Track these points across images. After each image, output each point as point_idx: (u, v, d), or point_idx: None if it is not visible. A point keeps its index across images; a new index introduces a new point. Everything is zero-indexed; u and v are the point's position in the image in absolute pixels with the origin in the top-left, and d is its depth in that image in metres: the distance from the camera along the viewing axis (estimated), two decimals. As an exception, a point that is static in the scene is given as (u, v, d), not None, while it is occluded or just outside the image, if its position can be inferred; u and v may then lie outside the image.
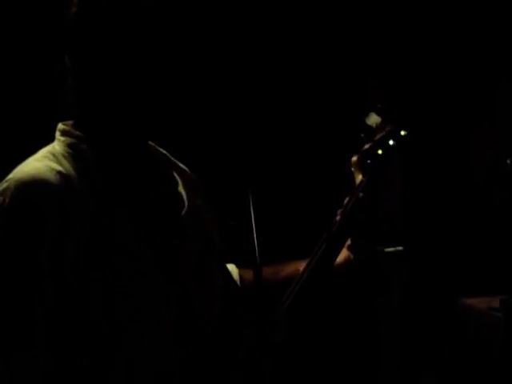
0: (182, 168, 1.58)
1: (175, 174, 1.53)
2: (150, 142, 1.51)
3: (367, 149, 1.68)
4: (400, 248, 2.34)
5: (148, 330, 1.36)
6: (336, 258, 1.64)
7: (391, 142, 1.68)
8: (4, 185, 1.31)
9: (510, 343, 2.74)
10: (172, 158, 1.58)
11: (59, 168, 1.34)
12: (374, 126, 1.69)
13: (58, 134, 1.43)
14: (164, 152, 1.56)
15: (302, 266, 1.65)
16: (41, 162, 1.35)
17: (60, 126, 1.44)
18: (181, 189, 1.51)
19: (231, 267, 1.67)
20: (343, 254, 1.67)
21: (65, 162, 1.36)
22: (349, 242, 1.65)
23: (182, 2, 1.45)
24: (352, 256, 1.66)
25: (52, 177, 1.32)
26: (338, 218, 1.64)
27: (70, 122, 1.44)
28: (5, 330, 1.27)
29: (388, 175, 1.68)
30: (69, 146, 1.40)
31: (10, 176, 1.33)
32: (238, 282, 1.64)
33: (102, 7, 1.38)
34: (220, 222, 1.61)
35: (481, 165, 3.56)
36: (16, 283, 1.27)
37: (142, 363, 1.34)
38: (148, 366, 1.35)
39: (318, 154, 3.49)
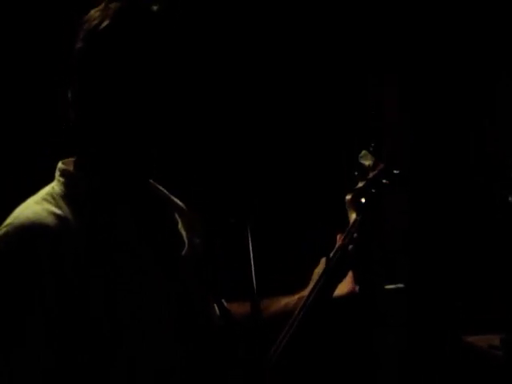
0: (180, 206, 1.60)
1: (176, 215, 1.56)
2: (151, 181, 1.53)
3: (361, 187, 1.73)
4: (401, 285, 2.32)
5: (149, 327, 1.38)
6: (333, 292, 1.68)
7: (384, 181, 1.73)
8: (3, 230, 1.35)
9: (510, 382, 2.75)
10: (171, 196, 1.59)
11: (58, 211, 1.36)
12: (366, 164, 1.73)
13: (57, 173, 1.45)
14: (163, 190, 1.57)
15: (289, 301, 1.70)
16: (40, 206, 1.37)
17: (60, 165, 1.46)
18: (180, 228, 1.53)
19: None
20: (346, 286, 1.70)
21: (62, 204, 1.38)
22: (350, 274, 1.70)
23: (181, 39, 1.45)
24: (357, 289, 1.70)
25: (51, 220, 1.34)
26: (332, 254, 1.67)
27: (71, 160, 1.47)
28: (4, 327, 1.30)
29: (381, 213, 1.73)
30: (67, 187, 1.42)
31: (10, 220, 1.36)
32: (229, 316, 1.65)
33: (107, 45, 1.39)
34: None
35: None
36: (16, 282, 1.31)
37: (143, 360, 1.36)
38: (149, 362, 1.37)
39: (311, 189, 3.45)
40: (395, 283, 2.40)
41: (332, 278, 1.66)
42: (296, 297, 1.70)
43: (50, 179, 1.47)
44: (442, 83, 3.69)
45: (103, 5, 1.42)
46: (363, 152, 1.74)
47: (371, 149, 1.73)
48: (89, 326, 1.32)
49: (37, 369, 1.29)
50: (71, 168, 1.45)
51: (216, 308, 1.57)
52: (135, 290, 1.38)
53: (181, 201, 1.63)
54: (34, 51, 3.21)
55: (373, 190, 1.72)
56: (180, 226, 1.53)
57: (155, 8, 1.41)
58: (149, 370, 1.37)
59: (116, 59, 1.38)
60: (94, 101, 1.40)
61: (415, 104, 3.53)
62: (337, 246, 1.69)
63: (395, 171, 1.73)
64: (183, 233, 1.53)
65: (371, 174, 1.74)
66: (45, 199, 1.39)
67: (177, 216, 1.55)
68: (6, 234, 1.33)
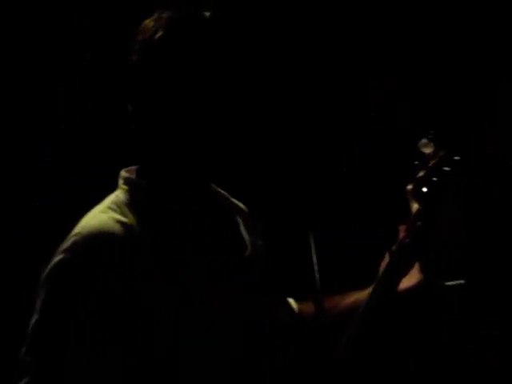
0: (241, 208, 1.63)
1: (237, 217, 1.58)
2: (212, 185, 1.56)
3: (422, 176, 1.68)
4: (461, 281, 2.29)
5: (212, 329, 1.40)
6: (398, 284, 1.65)
7: (446, 168, 1.67)
8: (72, 239, 1.38)
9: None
10: (231, 199, 1.62)
11: (123, 219, 1.40)
12: (427, 153, 1.69)
13: (120, 181, 1.49)
14: (224, 193, 1.60)
15: (359, 296, 1.69)
16: (106, 214, 1.41)
17: (123, 173, 1.50)
18: (242, 230, 1.55)
19: (290, 302, 1.72)
20: (413, 279, 1.68)
21: (127, 212, 1.42)
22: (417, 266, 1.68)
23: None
24: (423, 280, 1.68)
25: (116, 228, 1.38)
26: (395, 247, 1.65)
27: (133, 168, 1.51)
28: (64, 332, 1.32)
29: (444, 202, 1.67)
30: (130, 195, 1.45)
31: (78, 230, 1.39)
32: (295, 316, 1.69)
33: (164, 55, 1.41)
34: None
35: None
36: (82, 290, 1.33)
37: (206, 363, 1.40)
38: (211, 366, 1.40)
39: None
40: (455, 279, 2.38)
41: (396, 270, 1.63)
42: (366, 292, 1.67)
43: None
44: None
45: (156, 15, 1.44)
46: (423, 140, 1.68)
47: (431, 136, 1.68)
48: (155, 330, 1.35)
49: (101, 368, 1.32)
50: (134, 176, 1.48)
51: (283, 308, 1.61)
52: (200, 295, 1.39)
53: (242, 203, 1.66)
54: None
55: (434, 179, 1.66)
56: (242, 228, 1.55)
57: (206, 15, 1.43)
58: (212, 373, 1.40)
59: (173, 69, 1.40)
60: (154, 110, 1.42)
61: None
62: (400, 237, 1.66)
63: (456, 158, 1.68)
64: (245, 235, 1.54)
65: (432, 162, 1.68)
66: (110, 208, 1.42)
67: (238, 218, 1.56)
68: (75, 243, 1.36)
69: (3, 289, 3.01)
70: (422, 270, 1.66)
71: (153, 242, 1.40)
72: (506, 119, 3.57)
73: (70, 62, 3.64)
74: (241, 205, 1.63)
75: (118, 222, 1.38)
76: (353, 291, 1.73)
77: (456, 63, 3.70)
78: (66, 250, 1.35)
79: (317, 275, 1.46)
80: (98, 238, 1.35)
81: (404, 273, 1.64)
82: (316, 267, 1.46)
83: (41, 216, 3.48)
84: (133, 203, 1.43)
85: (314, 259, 1.49)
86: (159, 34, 1.41)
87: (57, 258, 1.36)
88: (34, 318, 1.33)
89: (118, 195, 1.46)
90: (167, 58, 1.40)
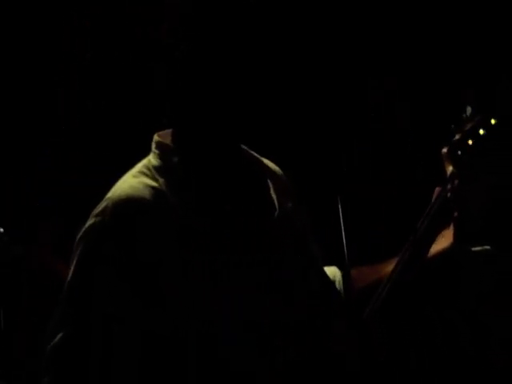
0: (273, 171, 1.62)
1: (268, 180, 1.58)
2: (242, 147, 1.55)
3: (457, 140, 1.64)
4: (487, 247, 2.27)
5: (244, 289, 1.41)
6: (430, 245, 1.67)
7: (482, 132, 1.62)
8: (104, 204, 1.41)
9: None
10: (264, 161, 1.62)
11: (154, 184, 1.42)
12: (463, 116, 1.65)
13: (153, 145, 1.49)
14: (256, 155, 1.60)
15: (389, 267, 1.69)
16: (137, 179, 1.43)
17: (155, 137, 1.50)
18: (272, 193, 1.54)
19: (334, 270, 1.71)
20: (446, 242, 1.69)
21: (158, 177, 1.44)
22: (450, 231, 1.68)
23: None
24: (454, 244, 1.68)
25: (148, 193, 1.40)
26: (429, 207, 1.65)
27: (167, 132, 1.51)
28: (99, 296, 1.37)
29: (480, 167, 1.64)
30: (162, 159, 1.45)
31: (109, 195, 1.42)
32: (341, 284, 1.69)
33: (198, 24, 1.46)
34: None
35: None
36: (113, 254, 1.37)
37: (242, 320, 1.41)
38: (247, 322, 1.42)
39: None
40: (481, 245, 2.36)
41: (429, 231, 1.64)
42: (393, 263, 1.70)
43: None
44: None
45: None
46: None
47: (469, 99, 1.66)
48: (189, 292, 1.36)
49: (136, 330, 1.35)
50: (167, 140, 1.49)
51: (314, 270, 1.59)
52: (231, 258, 1.41)
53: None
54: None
55: (470, 142, 1.63)
56: (272, 190, 1.55)
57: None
58: (249, 328, 1.41)
59: (206, 38, 1.45)
60: (189, 75, 1.45)
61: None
62: (433, 199, 1.65)
63: (493, 121, 1.63)
64: (274, 197, 1.54)
65: (468, 126, 1.64)
66: (141, 172, 1.45)
67: (269, 181, 1.57)
68: (106, 207, 1.39)
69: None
70: (454, 236, 1.65)
71: (182, 207, 1.42)
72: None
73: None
74: (274, 166, 1.64)
75: (148, 186, 1.41)
76: (382, 262, 1.75)
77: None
78: (97, 215, 1.39)
79: (344, 239, 1.50)
80: (128, 202, 1.39)
81: (435, 234, 1.65)
82: (343, 231, 1.50)
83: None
84: (164, 167, 1.46)
85: (342, 224, 1.52)
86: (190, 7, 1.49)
87: (89, 222, 1.40)
88: (68, 277, 1.39)
89: (150, 159, 1.47)
90: (202, 28, 1.45)
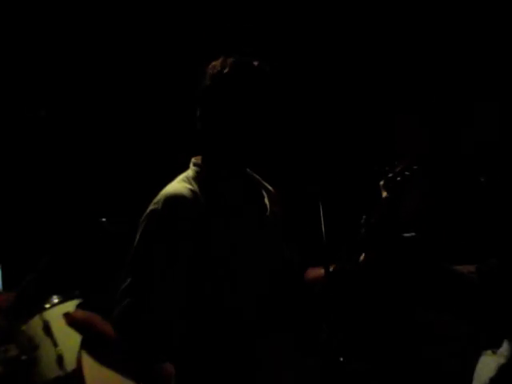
0: (266, 187, 2.43)
1: (263, 191, 2.38)
2: (248, 170, 2.35)
3: (391, 177, 2.54)
4: (413, 234, 3.27)
5: (248, 257, 2.21)
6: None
7: (406, 173, 2.52)
8: (158, 197, 2.18)
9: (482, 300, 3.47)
10: (261, 180, 2.42)
11: (190, 187, 2.21)
12: (395, 162, 2.57)
13: (191, 164, 2.32)
14: (257, 177, 2.40)
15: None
16: (179, 184, 2.23)
17: (193, 160, 2.32)
18: (266, 201, 2.35)
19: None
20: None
21: (194, 183, 2.23)
22: None
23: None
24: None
25: (186, 192, 2.19)
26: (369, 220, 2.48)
27: (199, 157, 2.31)
28: (153, 253, 2.12)
29: (405, 193, 2.52)
30: (196, 173, 2.27)
31: (163, 192, 2.19)
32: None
33: (226, 84, 2.24)
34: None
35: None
36: (164, 229, 2.14)
37: (245, 278, 2.19)
38: (248, 279, 2.19)
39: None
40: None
41: (372, 231, 2.46)
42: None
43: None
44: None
45: (222, 58, 2.27)
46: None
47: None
48: (211, 257, 2.14)
49: (172, 280, 2.09)
50: (199, 161, 2.29)
51: (288, 252, 2.39)
52: (241, 235, 2.20)
53: (270, 185, 2.45)
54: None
55: (398, 179, 2.51)
56: (266, 199, 2.35)
57: (255, 63, 2.26)
58: (248, 285, 2.17)
59: (230, 92, 2.23)
60: (216, 118, 2.24)
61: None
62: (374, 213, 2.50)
63: (415, 167, 2.51)
64: (267, 203, 2.33)
65: (398, 168, 2.52)
66: (182, 180, 2.24)
67: (264, 193, 2.37)
68: (159, 199, 2.16)
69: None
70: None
71: (209, 201, 2.18)
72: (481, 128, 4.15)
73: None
74: (267, 185, 2.42)
75: (186, 188, 2.19)
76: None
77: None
78: (154, 203, 2.15)
79: (324, 235, 2.28)
80: (174, 197, 2.15)
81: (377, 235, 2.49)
82: (323, 229, 2.27)
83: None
84: (197, 178, 2.24)
85: (322, 223, 2.28)
86: (225, 70, 2.24)
87: (148, 209, 2.16)
88: (135, 241, 2.13)
89: (189, 172, 2.27)
90: (229, 86, 2.23)
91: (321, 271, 2.39)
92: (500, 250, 3.53)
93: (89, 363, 3.29)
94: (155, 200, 2.17)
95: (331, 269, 2.34)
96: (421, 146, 4.20)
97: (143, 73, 4.54)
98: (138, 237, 2.14)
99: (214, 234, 2.16)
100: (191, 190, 2.19)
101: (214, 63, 2.27)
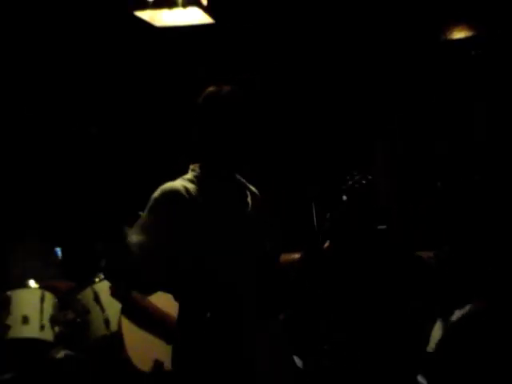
0: (251, 189, 2.88)
1: (247, 192, 2.84)
2: (237, 175, 2.81)
3: (350, 184, 2.91)
4: (384, 226, 4.08)
5: (232, 244, 2.68)
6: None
7: (364, 182, 2.90)
8: (160, 187, 2.66)
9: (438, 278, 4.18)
10: (247, 184, 2.87)
11: (185, 184, 2.68)
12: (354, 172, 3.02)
13: (189, 169, 2.77)
14: (243, 180, 2.86)
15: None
16: (176, 181, 2.69)
17: (191, 166, 2.78)
18: (249, 199, 2.82)
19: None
20: None
21: (189, 183, 2.69)
22: None
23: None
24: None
25: (180, 187, 2.65)
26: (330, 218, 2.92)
27: (196, 164, 2.76)
28: (151, 224, 2.60)
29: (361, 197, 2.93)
30: (194, 176, 2.73)
31: (162, 185, 2.66)
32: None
33: (218, 104, 2.70)
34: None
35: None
36: (160, 211, 2.63)
37: (229, 259, 2.65)
38: (231, 261, 2.66)
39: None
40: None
41: (333, 227, 2.86)
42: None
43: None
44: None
45: (217, 85, 2.72)
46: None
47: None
48: (200, 240, 2.60)
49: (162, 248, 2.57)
50: (196, 168, 2.73)
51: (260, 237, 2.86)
52: (225, 226, 2.65)
53: (256, 188, 2.90)
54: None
55: (355, 186, 2.87)
56: (249, 198, 2.80)
57: (238, 90, 2.72)
58: (236, 264, 2.63)
59: (222, 110, 2.67)
60: (210, 131, 2.68)
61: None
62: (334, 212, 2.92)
63: (369, 177, 2.90)
64: (249, 201, 2.79)
65: (356, 177, 2.89)
66: (180, 179, 2.69)
67: (248, 193, 2.81)
68: (159, 189, 2.63)
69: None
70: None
71: (202, 200, 2.63)
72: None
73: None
74: (253, 188, 2.88)
75: (182, 184, 2.64)
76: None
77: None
78: (156, 191, 2.61)
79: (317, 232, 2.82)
80: (170, 189, 2.61)
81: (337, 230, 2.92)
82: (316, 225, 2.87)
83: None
84: (192, 180, 2.67)
85: (315, 220, 2.90)
86: (221, 93, 2.69)
87: (153, 195, 2.61)
88: (144, 212, 2.62)
89: (187, 175, 2.70)
90: (220, 105, 2.67)
91: (290, 256, 2.92)
92: (452, 239, 4.26)
93: (127, 325, 3.78)
94: (158, 189, 2.65)
95: (301, 254, 2.81)
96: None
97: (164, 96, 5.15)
98: (146, 210, 2.63)
99: (204, 221, 2.62)
100: (184, 186, 2.64)
101: (209, 89, 2.72)
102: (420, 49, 5.08)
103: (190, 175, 2.74)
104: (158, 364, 3.62)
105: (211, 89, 2.73)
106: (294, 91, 5.15)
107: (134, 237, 2.55)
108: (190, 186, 2.66)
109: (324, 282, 3.64)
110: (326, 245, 2.88)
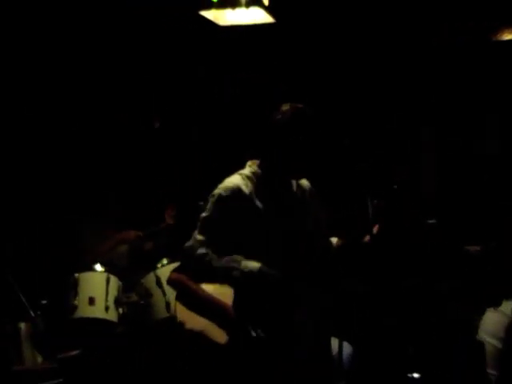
0: (309, 186, 3.34)
1: (299, 188, 3.28)
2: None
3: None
4: (434, 221, 4.25)
5: (274, 240, 3.14)
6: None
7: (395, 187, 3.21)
8: (220, 184, 3.12)
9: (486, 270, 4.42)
10: (301, 183, 3.31)
11: (244, 180, 3.11)
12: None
13: (247, 165, 3.21)
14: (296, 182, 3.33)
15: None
16: (235, 177, 3.13)
17: (249, 162, 3.22)
18: (306, 195, 3.28)
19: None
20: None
21: (246, 178, 3.13)
22: None
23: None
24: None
25: (240, 182, 3.10)
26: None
27: (255, 161, 3.20)
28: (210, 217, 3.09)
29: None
30: (250, 172, 3.16)
31: (224, 182, 3.12)
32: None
33: (289, 123, 3.13)
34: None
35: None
36: (218, 207, 3.09)
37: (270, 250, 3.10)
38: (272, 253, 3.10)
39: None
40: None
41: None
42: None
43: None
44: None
45: (289, 105, 3.14)
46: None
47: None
48: (256, 233, 3.06)
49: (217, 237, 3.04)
50: (255, 164, 3.16)
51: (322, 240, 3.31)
52: (274, 221, 3.08)
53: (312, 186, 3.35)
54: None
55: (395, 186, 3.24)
56: (307, 194, 3.26)
57: (308, 111, 3.13)
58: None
59: (293, 127, 3.10)
60: (281, 141, 3.11)
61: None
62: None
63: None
64: (307, 197, 3.24)
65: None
66: (239, 174, 3.12)
67: (307, 191, 3.27)
68: (221, 186, 3.07)
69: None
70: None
71: (256, 193, 3.05)
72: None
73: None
74: (305, 181, 3.27)
75: (241, 179, 3.05)
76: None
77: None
78: (217, 188, 3.03)
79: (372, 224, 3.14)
80: (229, 184, 3.04)
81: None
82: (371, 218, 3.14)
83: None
84: (250, 176, 3.11)
85: (370, 214, 3.11)
86: (289, 113, 3.11)
87: (214, 191, 3.03)
88: (203, 214, 3.05)
89: (244, 170, 3.12)
90: (292, 123, 3.09)
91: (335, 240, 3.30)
92: (498, 236, 4.48)
93: (181, 309, 3.78)
94: (218, 186, 3.10)
95: (340, 241, 3.18)
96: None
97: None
98: (208, 206, 3.07)
99: (261, 215, 3.06)
100: (244, 181, 3.09)
101: (282, 108, 3.14)
102: (471, 48, 5.29)
103: (247, 171, 3.15)
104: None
105: (296, 106, 3.14)
106: (347, 77, 5.50)
107: (203, 233, 3.03)
108: (248, 183, 3.09)
109: (359, 271, 3.85)
110: (375, 229, 3.16)
